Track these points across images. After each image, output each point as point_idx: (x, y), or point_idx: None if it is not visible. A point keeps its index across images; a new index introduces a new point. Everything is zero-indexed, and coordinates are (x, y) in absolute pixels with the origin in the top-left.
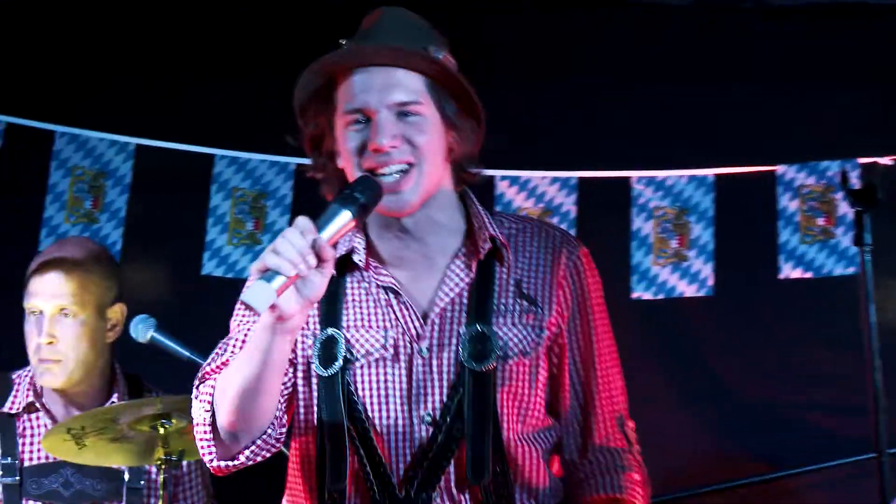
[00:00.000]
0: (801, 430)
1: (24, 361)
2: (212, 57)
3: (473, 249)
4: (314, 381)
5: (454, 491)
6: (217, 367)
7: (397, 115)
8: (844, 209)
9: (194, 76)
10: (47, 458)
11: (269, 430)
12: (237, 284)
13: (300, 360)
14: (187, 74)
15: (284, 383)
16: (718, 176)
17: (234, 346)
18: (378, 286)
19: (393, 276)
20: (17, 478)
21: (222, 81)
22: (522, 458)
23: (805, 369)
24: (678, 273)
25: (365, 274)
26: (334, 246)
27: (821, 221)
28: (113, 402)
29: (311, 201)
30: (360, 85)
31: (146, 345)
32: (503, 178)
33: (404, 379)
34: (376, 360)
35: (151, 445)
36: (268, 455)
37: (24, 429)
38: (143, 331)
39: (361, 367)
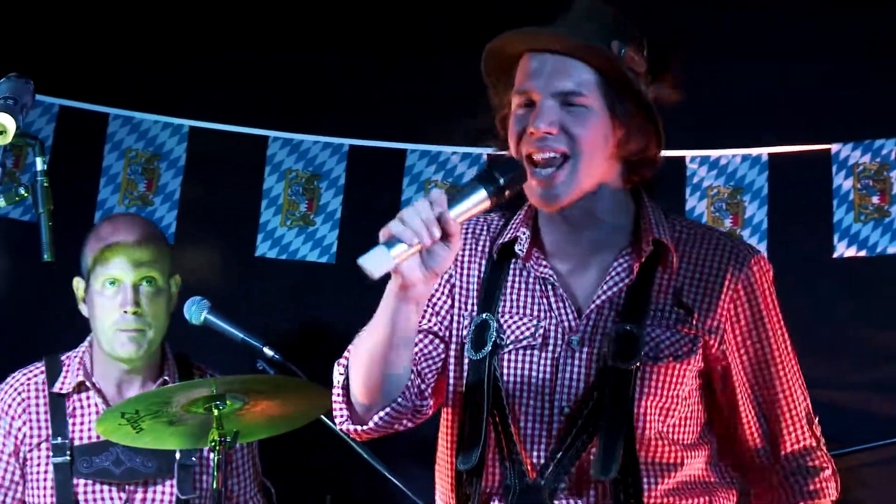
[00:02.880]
0: (858, 409)
1: (68, 345)
2: (265, 38)
3: (638, 250)
4: (465, 361)
5: (582, 483)
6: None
7: (561, 104)
8: None
9: (248, 57)
10: (98, 437)
11: (400, 400)
12: (290, 266)
13: (454, 339)
14: (240, 56)
15: (430, 357)
16: (772, 155)
17: None
18: (536, 277)
19: (552, 268)
20: (68, 457)
21: (276, 63)
22: (661, 459)
23: (861, 349)
24: None
25: (526, 263)
26: (492, 237)
27: (875, 200)
28: (165, 380)
29: (364, 182)
30: (532, 69)
31: (200, 326)
32: None
33: (549, 369)
34: (524, 348)
35: (206, 427)
36: (405, 425)
37: (75, 409)
38: (198, 313)
39: (509, 352)
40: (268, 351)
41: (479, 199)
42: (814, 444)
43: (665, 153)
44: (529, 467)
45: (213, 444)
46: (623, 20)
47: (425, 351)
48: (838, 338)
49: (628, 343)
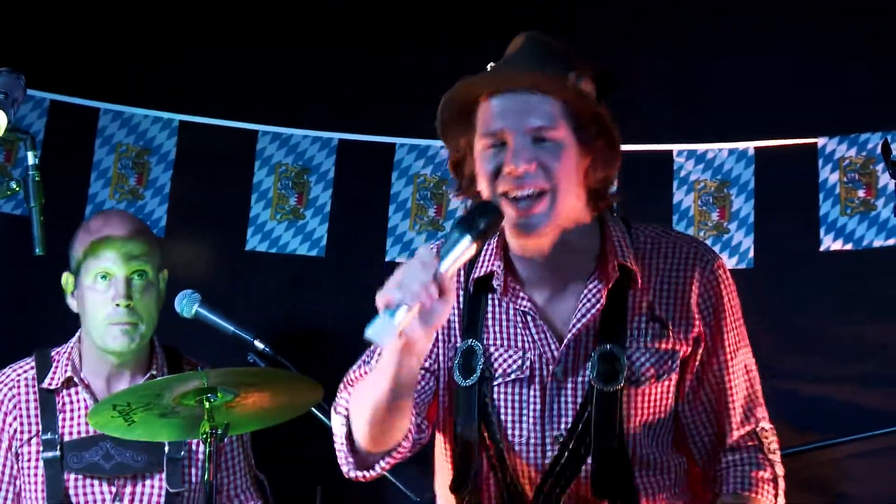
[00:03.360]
0: (844, 401)
1: (58, 339)
2: (255, 33)
3: (605, 274)
4: (452, 389)
5: (579, 502)
6: (361, 374)
7: (533, 140)
8: (885, 180)
9: (237, 52)
10: (87, 431)
11: (404, 443)
12: (280, 259)
13: (442, 369)
14: (230, 50)
15: (424, 392)
16: (758, 149)
17: (378, 355)
18: (516, 310)
19: (530, 299)
20: (59, 452)
21: (265, 57)
22: (652, 474)
23: (846, 342)
24: (719, 245)
25: (502, 295)
26: (465, 270)
27: (861, 193)
28: (152, 375)
29: (354, 176)
30: (497, 109)
31: (190, 319)
32: None
33: (538, 400)
34: (513, 382)
35: (197, 420)
36: (405, 457)
37: (64, 404)
38: (189, 306)
39: (499, 385)
40: (258, 344)
41: (464, 247)
42: (755, 445)
43: (653, 147)
44: (527, 489)
45: (204, 436)
46: (569, 50)
47: (419, 389)
48: (824, 331)
49: (610, 365)
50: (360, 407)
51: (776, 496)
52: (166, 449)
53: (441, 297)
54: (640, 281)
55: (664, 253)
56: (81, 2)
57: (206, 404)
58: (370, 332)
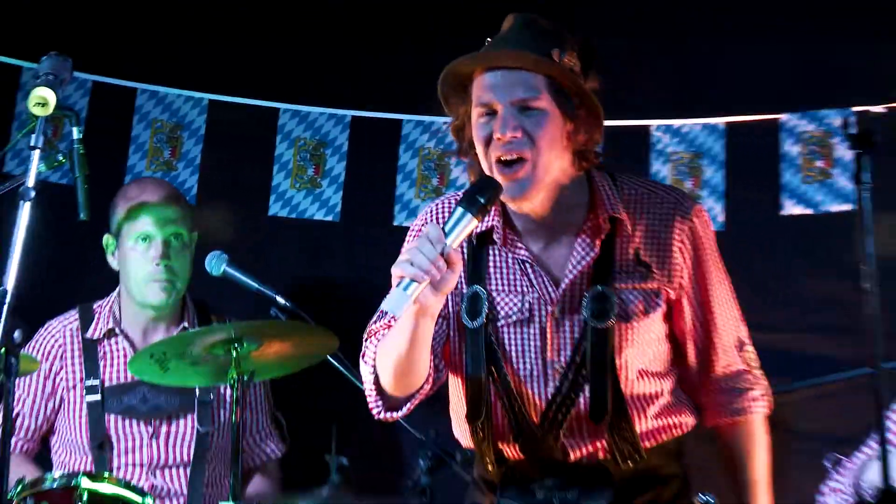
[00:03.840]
0: (804, 351)
1: (99, 294)
2: (276, 20)
3: (596, 226)
4: (462, 331)
5: (578, 428)
6: (383, 325)
7: (519, 110)
8: (840, 152)
9: (261, 38)
10: (126, 378)
11: (425, 385)
12: (299, 224)
13: (452, 314)
14: (255, 36)
15: (439, 335)
16: (729, 124)
17: None
18: (515, 258)
19: (527, 249)
20: (100, 396)
21: (286, 42)
22: (644, 398)
23: (803, 296)
24: None
25: (502, 249)
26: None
27: (819, 164)
28: (184, 327)
29: (365, 149)
30: (488, 83)
31: (219, 278)
32: None
33: (538, 337)
34: (515, 322)
35: (225, 367)
36: (428, 395)
37: (105, 353)
38: (217, 265)
39: (502, 326)
40: (280, 299)
41: (467, 223)
42: (744, 368)
43: (632, 122)
44: (533, 416)
45: (231, 381)
46: (556, 28)
47: (434, 334)
48: (786, 286)
49: (602, 305)
50: (384, 361)
51: (767, 406)
52: (197, 393)
53: (449, 268)
54: (628, 227)
55: (647, 203)
56: None
57: (234, 353)
58: (386, 304)
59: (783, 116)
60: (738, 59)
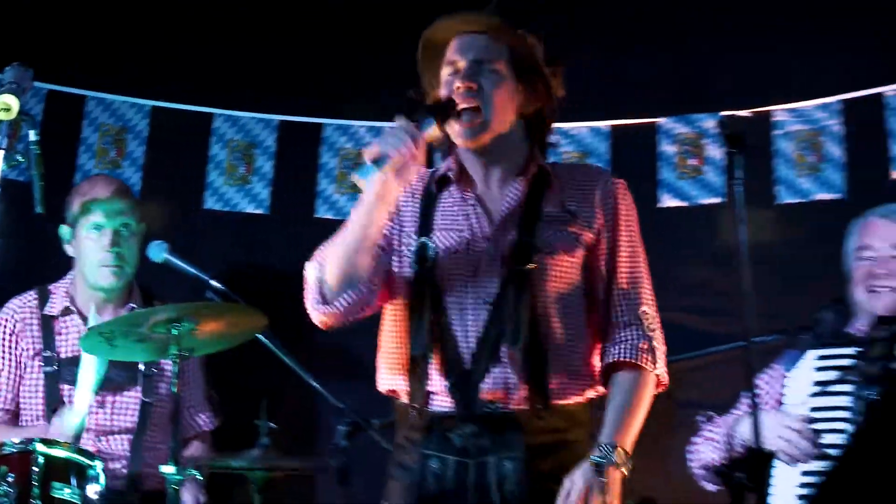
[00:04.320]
0: (683, 328)
1: (54, 278)
2: (211, 33)
3: (529, 173)
4: (408, 271)
5: (502, 358)
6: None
7: (479, 68)
8: (710, 152)
9: (198, 49)
10: (79, 351)
11: (362, 288)
12: (231, 216)
13: (405, 253)
14: (193, 48)
15: (379, 263)
16: (613, 126)
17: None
18: (463, 198)
19: (473, 192)
20: (56, 367)
21: (220, 52)
22: (557, 337)
23: (682, 279)
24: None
25: (454, 189)
26: (426, 177)
27: (692, 162)
28: (131, 307)
29: (290, 149)
30: (457, 45)
31: (160, 265)
32: None
33: (472, 268)
34: (454, 254)
35: (167, 344)
36: (356, 316)
37: (61, 329)
38: (159, 253)
39: (443, 259)
40: (214, 283)
41: (431, 125)
42: (645, 323)
43: None
44: (464, 352)
45: (173, 357)
46: (526, 22)
47: (378, 260)
48: (663, 271)
49: (524, 250)
50: (334, 247)
51: (654, 363)
52: (141, 367)
53: (414, 156)
54: (554, 184)
55: (576, 171)
56: (74, 5)
57: (175, 332)
58: (356, 176)
59: (660, 120)
60: (621, 69)
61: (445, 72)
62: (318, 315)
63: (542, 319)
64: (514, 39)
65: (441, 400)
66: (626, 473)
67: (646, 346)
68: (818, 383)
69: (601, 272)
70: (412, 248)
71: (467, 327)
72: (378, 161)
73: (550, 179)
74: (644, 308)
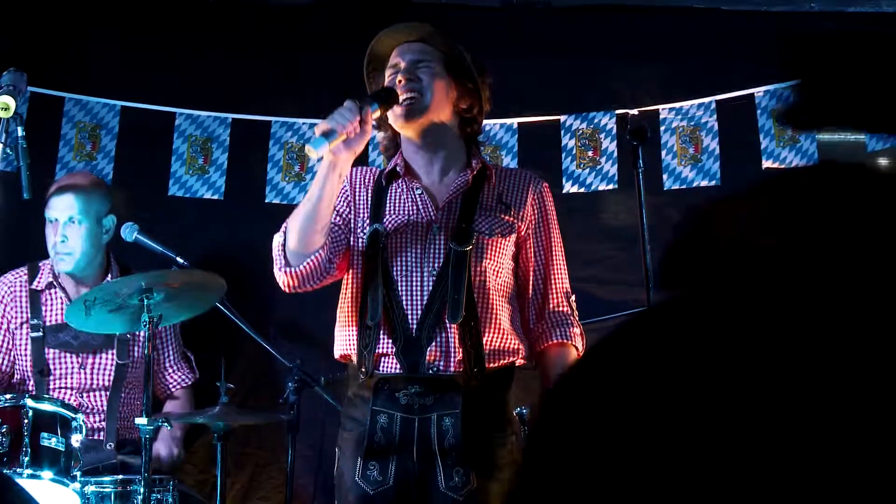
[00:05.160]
0: (585, 295)
1: (45, 255)
2: (175, 41)
3: (470, 168)
4: (362, 250)
5: (444, 328)
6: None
7: (415, 65)
8: (605, 145)
9: (162, 55)
10: (61, 319)
11: (321, 252)
12: (192, 201)
13: (360, 235)
14: (157, 54)
15: (337, 237)
16: (520, 123)
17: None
18: (409, 189)
19: (419, 182)
20: (42, 333)
21: (182, 59)
22: (491, 309)
23: (585, 255)
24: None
25: (402, 181)
26: (375, 174)
27: (590, 153)
28: (107, 281)
29: (243, 144)
30: (397, 52)
31: (132, 244)
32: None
33: (418, 248)
34: (401, 234)
35: (139, 314)
36: (317, 281)
37: (46, 300)
38: (130, 233)
39: (392, 239)
40: (179, 259)
41: (374, 108)
42: (569, 310)
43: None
44: (411, 321)
45: (144, 324)
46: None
47: (333, 231)
48: (568, 248)
49: (464, 234)
50: (295, 215)
51: (583, 345)
52: (117, 333)
53: (361, 129)
54: (493, 179)
55: (511, 171)
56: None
57: (146, 301)
58: (309, 148)
59: (562, 117)
60: (526, 73)
61: (388, 73)
62: (282, 277)
63: (478, 294)
64: (447, 46)
65: (389, 363)
66: None
67: (578, 331)
68: None
69: (531, 260)
70: (366, 233)
71: (413, 300)
72: (327, 134)
73: (490, 175)
74: (572, 299)
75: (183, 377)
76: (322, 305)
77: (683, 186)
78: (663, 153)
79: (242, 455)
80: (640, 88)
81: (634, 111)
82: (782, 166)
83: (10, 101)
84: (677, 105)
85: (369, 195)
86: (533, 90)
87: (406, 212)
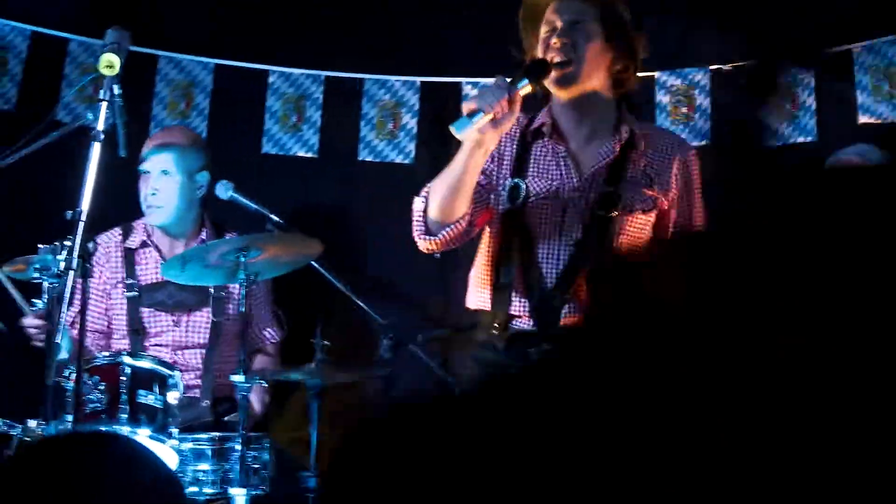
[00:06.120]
0: None
1: (140, 214)
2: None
3: (620, 135)
4: (502, 207)
5: (580, 295)
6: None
7: (572, 27)
8: (699, 100)
9: (256, 13)
10: (157, 279)
11: (462, 222)
12: (286, 159)
13: (500, 192)
14: (251, 11)
15: (480, 197)
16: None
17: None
18: (554, 151)
19: (565, 146)
20: (137, 292)
21: (275, 17)
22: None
23: None
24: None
25: (548, 141)
26: (522, 125)
27: (684, 110)
28: (202, 240)
29: (337, 102)
30: (554, 7)
31: (228, 201)
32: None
33: (559, 214)
34: (544, 198)
35: (235, 270)
36: (457, 243)
37: (140, 259)
38: (225, 191)
39: (533, 202)
40: (274, 217)
41: (525, 84)
42: None
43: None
44: (547, 279)
45: (241, 281)
46: None
47: (477, 192)
48: None
49: (609, 199)
50: (438, 185)
51: None
52: (211, 290)
53: (509, 109)
54: (641, 146)
55: (658, 135)
56: None
57: (242, 259)
58: (454, 126)
59: (656, 74)
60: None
61: (543, 30)
62: (423, 243)
63: (618, 262)
64: (605, 3)
65: (522, 322)
66: None
67: None
68: None
69: (671, 233)
70: (506, 188)
71: (551, 263)
72: (472, 114)
73: (637, 143)
74: None
75: (272, 333)
76: (414, 264)
77: (780, 144)
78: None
79: (336, 414)
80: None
81: (728, 66)
82: (879, 120)
83: (116, 60)
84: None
85: (514, 148)
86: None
87: (550, 175)
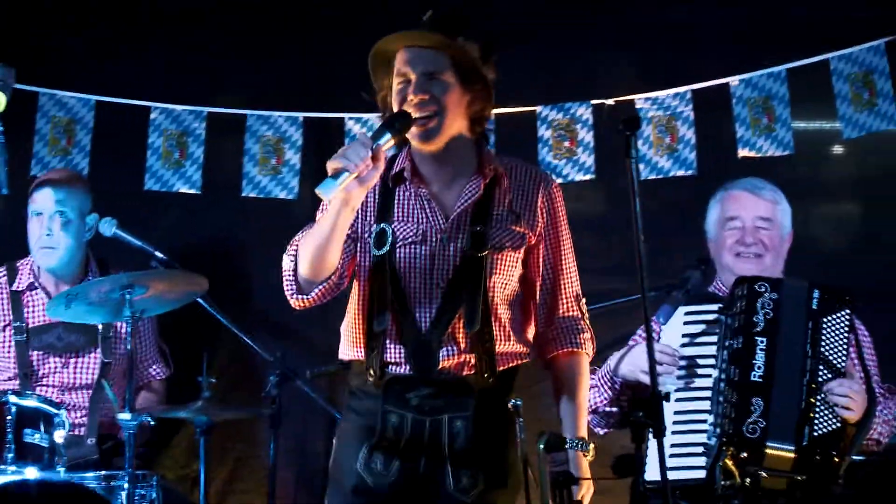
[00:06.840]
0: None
1: (23, 253)
2: (149, 34)
3: (482, 176)
4: (370, 256)
5: (457, 336)
6: (304, 233)
7: (428, 79)
8: (581, 135)
9: (137, 48)
10: (45, 320)
11: (333, 278)
12: (168, 196)
13: (364, 240)
14: (132, 45)
15: (347, 250)
16: (497, 114)
17: (312, 223)
18: (417, 194)
19: (428, 189)
20: (25, 336)
21: (157, 53)
22: (503, 318)
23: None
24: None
25: (410, 185)
26: (384, 172)
27: (566, 144)
28: (89, 279)
29: (218, 138)
30: (405, 58)
31: (110, 238)
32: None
33: (428, 257)
34: (411, 244)
35: (119, 307)
36: (328, 297)
37: (27, 301)
38: (109, 228)
39: (401, 248)
40: (158, 253)
41: (388, 139)
42: (579, 314)
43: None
44: (421, 324)
45: (126, 318)
46: (462, 20)
47: (344, 247)
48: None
49: (478, 239)
50: (306, 244)
51: (593, 349)
52: (100, 330)
53: (374, 165)
54: (505, 183)
55: (520, 171)
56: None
57: (128, 296)
58: (320, 189)
59: (539, 108)
60: (504, 64)
61: (396, 82)
62: (295, 302)
63: (490, 303)
64: (455, 51)
65: (399, 367)
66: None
67: (588, 336)
68: (686, 335)
69: (544, 267)
70: (373, 234)
71: (424, 306)
72: (337, 174)
73: (501, 181)
74: (582, 302)
75: (159, 370)
76: None
77: (660, 176)
78: (640, 143)
79: (223, 449)
80: (617, 79)
81: (611, 101)
82: (758, 155)
83: (2, 98)
84: (653, 95)
85: (376, 195)
86: (509, 80)
87: (416, 218)
